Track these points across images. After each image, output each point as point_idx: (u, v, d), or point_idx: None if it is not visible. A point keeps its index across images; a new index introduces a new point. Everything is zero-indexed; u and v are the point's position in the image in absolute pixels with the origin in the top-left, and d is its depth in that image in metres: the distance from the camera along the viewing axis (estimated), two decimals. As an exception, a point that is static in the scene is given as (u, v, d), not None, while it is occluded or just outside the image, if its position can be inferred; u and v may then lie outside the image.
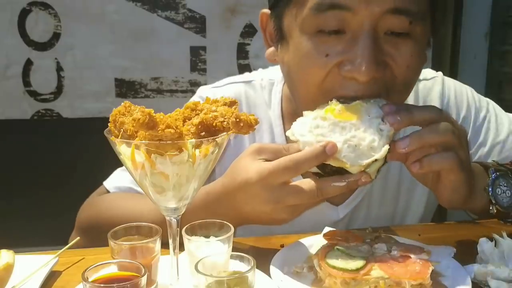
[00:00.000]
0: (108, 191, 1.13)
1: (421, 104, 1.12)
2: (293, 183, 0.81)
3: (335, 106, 0.82)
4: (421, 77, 1.13)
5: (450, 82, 1.18)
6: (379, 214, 1.13)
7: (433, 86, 1.16)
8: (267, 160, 0.82)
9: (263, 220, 0.86)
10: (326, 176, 0.80)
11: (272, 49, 1.00)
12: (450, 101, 1.15)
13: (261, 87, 1.14)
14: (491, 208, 0.91)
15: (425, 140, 0.79)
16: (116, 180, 1.13)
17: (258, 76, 1.17)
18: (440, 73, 1.20)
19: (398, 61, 0.84)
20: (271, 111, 1.11)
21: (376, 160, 0.77)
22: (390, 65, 0.84)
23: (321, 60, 0.84)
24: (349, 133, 0.78)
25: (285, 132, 1.08)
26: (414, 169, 0.81)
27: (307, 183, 0.80)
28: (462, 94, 1.16)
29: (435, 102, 1.13)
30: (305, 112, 0.85)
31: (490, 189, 0.91)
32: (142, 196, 0.92)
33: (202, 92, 1.18)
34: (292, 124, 0.88)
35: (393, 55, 0.84)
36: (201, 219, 0.81)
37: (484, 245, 0.85)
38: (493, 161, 1.01)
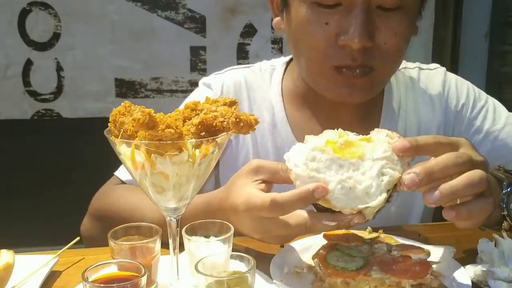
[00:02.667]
0: (122, 181, 1.12)
1: (422, 91, 1.16)
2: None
3: (339, 137, 0.75)
4: (424, 67, 1.19)
5: (452, 74, 1.21)
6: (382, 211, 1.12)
7: (435, 75, 1.19)
8: (263, 181, 0.80)
9: (263, 239, 0.85)
10: (318, 212, 0.76)
11: (278, 18, 1.06)
12: (451, 90, 1.17)
13: (261, 70, 1.18)
14: (504, 224, 0.88)
15: (459, 194, 0.71)
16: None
17: (259, 63, 1.22)
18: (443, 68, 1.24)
19: (388, 29, 0.92)
20: (271, 91, 1.14)
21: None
22: (381, 34, 0.92)
23: (321, 27, 0.92)
24: (346, 173, 0.72)
25: (285, 108, 1.10)
26: (448, 216, 0.73)
27: (295, 217, 0.76)
28: (463, 85, 1.19)
29: (437, 90, 1.16)
30: (307, 137, 0.79)
31: (504, 205, 0.86)
32: None
33: (205, 80, 1.20)
34: (291, 103, 1.00)
35: (383, 25, 0.92)
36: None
37: (484, 245, 0.85)
38: (499, 166, 0.98)
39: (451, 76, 1.20)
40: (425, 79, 1.18)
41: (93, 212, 1.14)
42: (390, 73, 1.03)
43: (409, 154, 0.73)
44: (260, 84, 1.15)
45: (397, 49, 0.96)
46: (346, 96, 0.97)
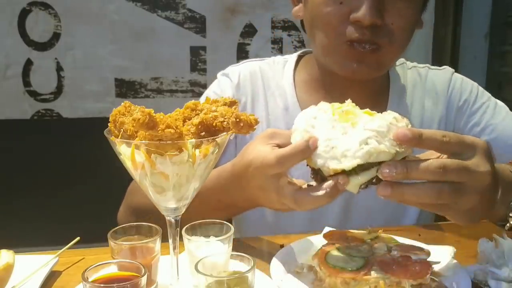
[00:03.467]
0: None
1: (428, 86, 1.22)
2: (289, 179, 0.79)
3: (347, 106, 0.77)
4: (433, 67, 1.27)
5: (459, 75, 1.27)
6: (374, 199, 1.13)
7: (443, 74, 1.26)
8: (278, 146, 0.81)
9: (271, 205, 0.85)
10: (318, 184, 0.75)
11: (297, 7, 1.16)
12: (456, 87, 1.23)
13: (275, 63, 1.26)
14: (507, 225, 0.89)
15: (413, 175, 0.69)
16: None
17: (273, 57, 1.30)
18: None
19: (395, 10, 1.01)
20: (284, 80, 1.21)
21: (344, 170, 0.70)
22: (389, 15, 1.00)
23: (336, 7, 1.01)
24: (334, 133, 0.73)
25: (296, 95, 1.18)
26: (382, 192, 0.70)
27: (290, 187, 0.77)
28: (468, 83, 1.25)
29: (442, 86, 1.23)
30: (321, 102, 0.82)
31: None
32: None
33: (223, 71, 1.27)
34: (302, 90, 1.15)
35: (392, 6, 1.01)
36: (215, 201, 0.91)
37: (484, 245, 0.85)
38: None
39: (458, 76, 1.26)
40: (433, 76, 1.25)
41: (128, 204, 1.17)
42: (396, 54, 1.09)
43: (409, 145, 0.70)
44: (274, 74, 1.23)
45: (403, 31, 1.03)
46: (355, 71, 1.04)
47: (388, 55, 1.06)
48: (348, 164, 0.70)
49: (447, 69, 1.27)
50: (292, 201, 0.76)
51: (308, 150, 0.72)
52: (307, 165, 0.76)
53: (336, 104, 0.78)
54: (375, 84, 1.17)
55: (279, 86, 1.20)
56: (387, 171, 0.68)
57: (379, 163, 0.70)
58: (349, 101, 0.79)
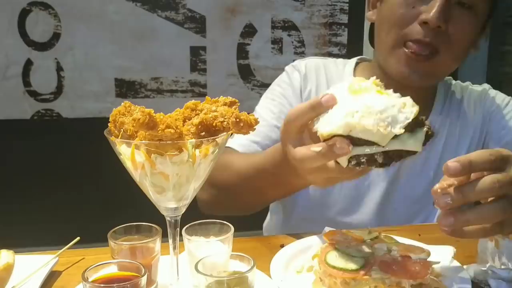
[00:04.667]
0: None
1: (465, 100, 1.29)
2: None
3: (369, 83, 0.75)
4: (472, 86, 1.34)
5: (495, 90, 1.34)
6: (413, 191, 1.21)
7: (480, 88, 1.33)
8: None
9: (308, 181, 0.87)
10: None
11: (371, 12, 1.24)
12: (488, 100, 1.29)
13: (335, 63, 1.34)
14: None
15: (472, 223, 0.70)
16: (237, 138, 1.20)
17: (333, 58, 1.39)
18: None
19: (458, 23, 1.08)
20: (344, 77, 1.28)
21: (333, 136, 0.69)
22: (452, 25, 1.07)
23: (408, 9, 1.09)
24: (350, 103, 0.71)
25: None
26: (444, 222, 0.70)
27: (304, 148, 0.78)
28: (501, 94, 1.31)
29: (475, 99, 1.29)
30: (354, 78, 0.84)
31: None
32: (251, 155, 1.09)
33: (292, 63, 1.33)
34: None
35: (456, 19, 1.08)
36: (266, 182, 0.99)
37: (484, 245, 0.85)
38: None
39: (493, 91, 1.33)
40: (470, 92, 1.31)
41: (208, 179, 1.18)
42: (449, 64, 1.15)
43: (460, 176, 0.69)
44: (336, 71, 1.31)
45: (461, 42, 1.11)
46: (408, 77, 1.11)
47: (442, 64, 1.13)
48: (325, 130, 0.70)
49: (484, 86, 1.34)
50: (296, 159, 0.77)
51: (320, 106, 0.74)
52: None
53: (362, 81, 0.76)
54: (426, 92, 1.24)
55: (341, 80, 1.26)
56: (443, 201, 0.67)
57: (374, 144, 0.69)
58: (373, 78, 0.76)
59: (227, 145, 1.17)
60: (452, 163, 0.68)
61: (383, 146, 0.69)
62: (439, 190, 0.69)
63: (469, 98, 1.30)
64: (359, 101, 0.71)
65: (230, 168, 1.08)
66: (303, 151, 0.76)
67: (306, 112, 0.76)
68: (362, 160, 0.70)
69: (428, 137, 0.73)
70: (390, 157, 0.71)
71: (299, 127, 0.79)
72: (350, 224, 1.15)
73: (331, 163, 0.76)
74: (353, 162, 0.71)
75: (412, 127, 0.70)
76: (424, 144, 0.72)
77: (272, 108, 1.24)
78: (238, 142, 1.19)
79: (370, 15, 1.25)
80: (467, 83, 1.35)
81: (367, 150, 0.70)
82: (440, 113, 1.25)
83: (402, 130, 0.69)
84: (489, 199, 0.69)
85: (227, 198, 1.13)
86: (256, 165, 1.01)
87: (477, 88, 1.33)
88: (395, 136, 0.69)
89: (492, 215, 0.69)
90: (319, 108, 0.74)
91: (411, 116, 0.70)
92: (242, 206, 1.16)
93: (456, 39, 1.09)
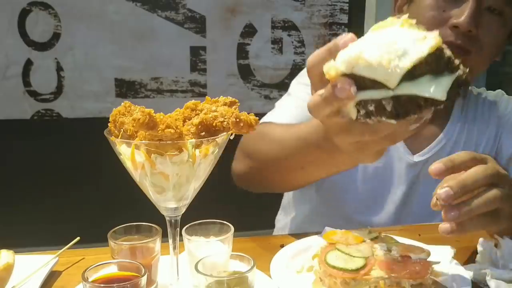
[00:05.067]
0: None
1: (481, 104, 1.30)
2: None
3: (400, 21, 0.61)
4: (486, 91, 1.36)
5: (508, 96, 1.35)
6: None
7: (493, 93, 1.35)
8: None
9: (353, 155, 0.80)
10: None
11: (397, 15, 1.19)
12: (502, 103, 1.30)
13: None
14: None
15: (474, 213, 0.77)
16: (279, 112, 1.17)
17: None
18: None
19: (488, 28, 1.09)
20: None
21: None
22: (481, 30, 1.08)
23: (439, 12, 1.09)
24: (365, 38, 0.59)
25: None
26: (450, 217, 0.76)
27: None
28: None
29: (490, 103, 1.31)
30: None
31: None
32: (294, 125, 0.98)
33: None
34: None
35: (486, 24, 1.09)
36: (310, 156, 0.88)
37: (484, 245, 0.85)
38: None
39: (506, 95, 1.35)
40: (486, 96, 1.33)
41: (241, 147, 1.13)
42: (478, 69, 1.16)
43: (446, 175, 0.78)
44: None
45: (490, 47, 1.12)
46: None
47: (473, 67, 1.12)
48: (327, 67, 0.59)
49: (499, 92, 1.36)
50: (309, 109, 0.68)
51: (337, 48, 0.62)
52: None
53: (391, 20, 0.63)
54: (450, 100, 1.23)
55: None
56: (446, 196, 0.74)
57: (383, 87, 0.56)
58: (405, 16, 0.63)
59: (264, 120, 1.13)
60: (435, 164, 0.77)
61: (392, 90, 0.55)
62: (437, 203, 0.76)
63: (484, 102, 1.30)
64: (375, 35, 0.59)
65: (269, 136, 1.02)
66: (312, 98, 0.67)
67: (324, 57, 0.65)
68: (370, 109, 0.57)
69: (461, 83, 0.56)
70: (404, 106, 0.56)
71: (319, 75, 0.67)
72: (366, 224, 1.14)
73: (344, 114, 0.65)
74: (361, 112, 0.59)
75: (437, 68, 0.55)
76: (453, 93, 0.56)
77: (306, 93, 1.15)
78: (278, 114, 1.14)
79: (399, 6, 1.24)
80: (482, 88, 1.35)
81: (375, 94, 0.57)
82: (458, 120, 1.26)
83: (408, 65, 0.53)
84: (481, 189, 0.77)
85: (265, 171, 1.04)
86: (299, 135, 0.90)
87: (492, 92, 1.34)
88: (411, 79, 0.54)
89: (492, 198, 0.76)
90: (336, 51, 0.62)
91: (426, 50, 0.53)
92: (280, 182, 1.09)
93: (485, 44, 1.10)
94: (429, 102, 0.56)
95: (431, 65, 0.54)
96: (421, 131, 1.23)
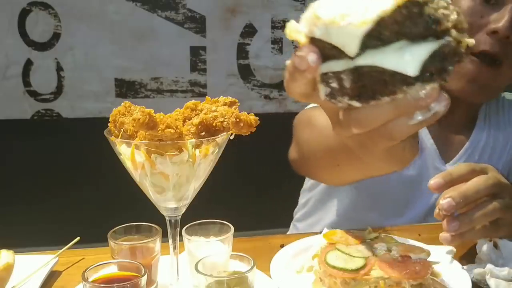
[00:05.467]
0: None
1: (501, 108, 1.30)
2: None
3: None
4: (505, 93, 1.35)
5: None
6: None
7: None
8: None
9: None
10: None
11: None
12: None
13: None
14: None
15: (475, 223, 0.80)
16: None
17: None
18: None
19: None
20: None
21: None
22: None
23: (477, 18, 1.09)
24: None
25: None
26: (451, 229, 0.79)
27: None
28: None
29: (510, 105, 1.30)
30: None
31: None
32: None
33: None
34: None
35: None
36: (345, 157, 0.83)
37: (483, 245, 0.85)
38: None
39: None
40: (506, 97, 1.33)
41: (294, 132, 1.12)
42: (508, 79, 1.15)
43: (445, 189, 0.80)
44: None
45: None
46: (469, 88, 1.10)
47: (502, 76, 1.12)
48: (289, 28, 0.45)
49: None
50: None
51: None
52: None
53: None
54: (474, 111, 1.25)
55: None
56: (448, 207, 0.77)
57: (345, 57, 0.41)
58: None
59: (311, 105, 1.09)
60: (434, 179, 0.80)
61: (352, 59, 0.40)
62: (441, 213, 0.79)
63: (504, 105, 1.30)
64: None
65: (312, 124, 0.99)
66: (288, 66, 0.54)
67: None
68: (332, 85, 0.43)
69: (448, 55, 0.39)
70: (365, 82, 0.41)
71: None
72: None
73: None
74: (326, 91, 0.44)
75: (414, 30, 0.38)
76: (436, 68, 0.39)
77: None
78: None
79: None
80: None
81: (335, 66, 0.42)
82: (483, 129, 1.25)
83: (364, 22, 0.37)
84: (482, 200, 0.79)
85: (308, 161, 1.02)
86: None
87: (509, 94, 1.33)
88: (378, 45, 0.39)
89: (492, 209, 0.78)
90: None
91: (390, 2, 0.37)
92: (322, 175, 1.08)
93: None
94: (398, 78, 0.39)
95: (405, 25, 0.38)
96: (452, 138, 1.23)
